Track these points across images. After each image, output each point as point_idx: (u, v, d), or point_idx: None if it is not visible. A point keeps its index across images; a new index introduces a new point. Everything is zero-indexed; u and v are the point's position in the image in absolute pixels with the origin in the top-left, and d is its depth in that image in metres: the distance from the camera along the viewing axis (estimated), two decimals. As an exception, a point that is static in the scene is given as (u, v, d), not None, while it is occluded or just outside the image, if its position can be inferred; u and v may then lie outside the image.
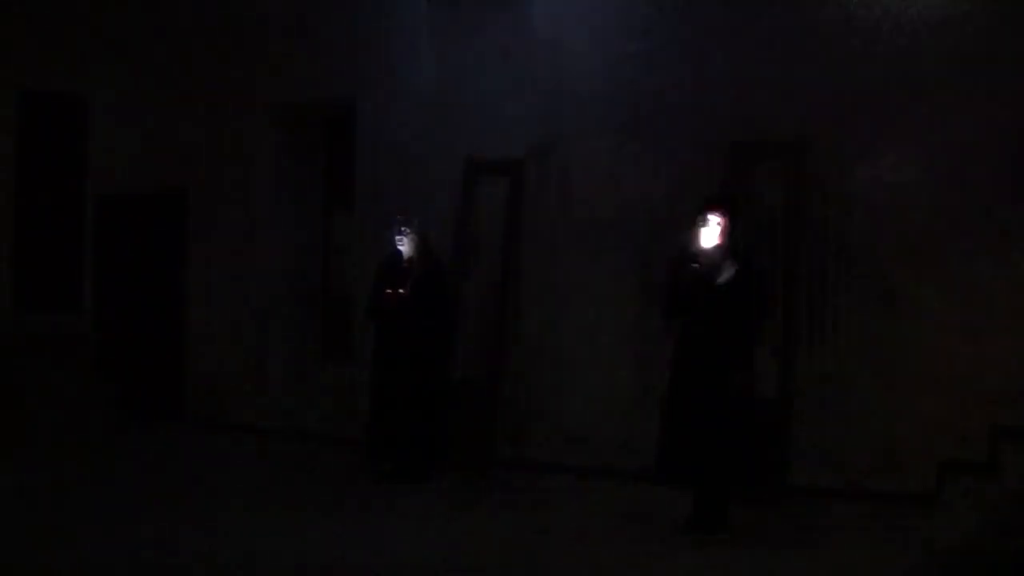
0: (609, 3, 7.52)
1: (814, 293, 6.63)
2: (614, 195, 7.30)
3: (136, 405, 10.11)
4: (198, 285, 9.95)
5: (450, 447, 7.55)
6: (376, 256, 7.72)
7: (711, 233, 5.53)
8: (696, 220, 5.60)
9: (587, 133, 7.54)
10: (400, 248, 7.12)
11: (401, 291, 7.00)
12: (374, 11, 8.74)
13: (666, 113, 7.19)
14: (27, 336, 9.77)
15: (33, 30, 9.83)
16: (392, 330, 7.12)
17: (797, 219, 6.66)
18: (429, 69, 8.38)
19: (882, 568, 5.02)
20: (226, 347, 9.65)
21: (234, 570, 4.97)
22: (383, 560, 5.15)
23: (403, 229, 7.12)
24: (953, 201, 6.27)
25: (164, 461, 7.97)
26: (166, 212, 10.20)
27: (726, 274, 5.55)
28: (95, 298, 10.80)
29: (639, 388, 6.99)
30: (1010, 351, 6.03)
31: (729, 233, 5.56)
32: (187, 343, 10.02)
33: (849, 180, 6.58)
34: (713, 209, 5.57)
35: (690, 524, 5.55)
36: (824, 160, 6.65)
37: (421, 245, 7.13)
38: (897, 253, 6.41)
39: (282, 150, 9.60)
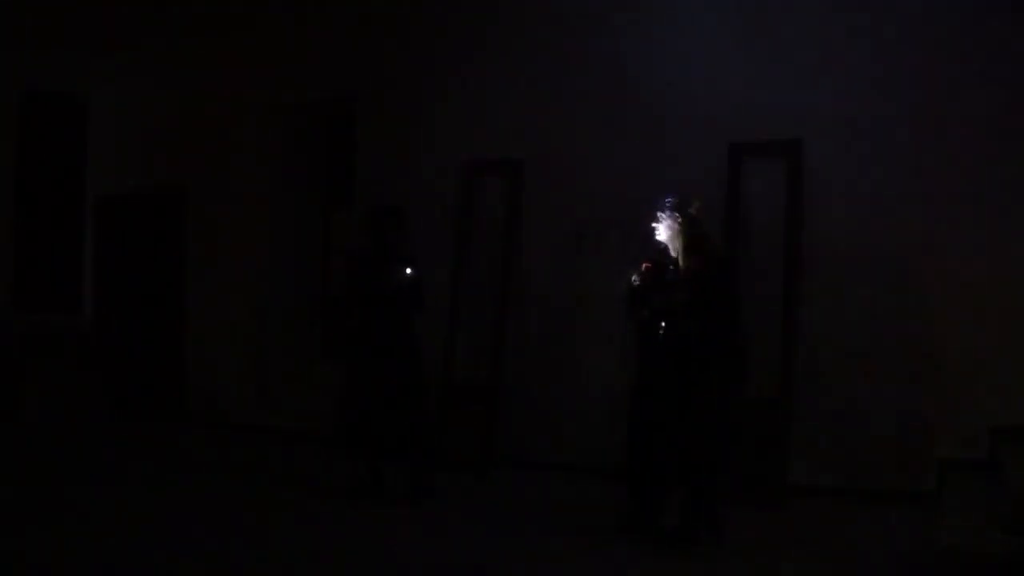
0: (609, 2, 7.53)
1: (814, 292, 6.63)
2: (614, 195, 7.29)
3: (136, 405, 10.12)
4: (198, 285, 9.95)
5: (450, 447, 7.56)
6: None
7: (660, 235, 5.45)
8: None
9: (587, 132, 7.54)
10: None
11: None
12: (374, 10, 8.74)
13: (666, 112, 7.19)
14: (27, 336, 9.77)
15: (33, 30, 9.83)
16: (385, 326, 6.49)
17: (797, 219, 6.66)
18: (429, 68, 8.39)
19: (882, 568, 5.02)
20: (226, 347, 9.65)
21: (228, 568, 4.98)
22: (381, 558, 5.15)
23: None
24: (950, 199, 6.27)
25: (162, 461, 7.95)
26: (166, 212, 10.21)
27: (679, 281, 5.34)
28: (95, 298, 10.81)
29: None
30: (1010, 350, 6.03)
31: (677, 235, 5.40)
32: (187, 343, 10.02)
33: (848, 178, 6.59)
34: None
35: (672, 532, 5.37)
36: (823, 159, 6.66)
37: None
38: (897, 252, 6.41)
39: (282, 149, 9.61)
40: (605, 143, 7.44)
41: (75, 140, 10.78)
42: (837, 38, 6.65)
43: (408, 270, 6.38)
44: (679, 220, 5.38)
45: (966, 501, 5.31)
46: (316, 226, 9.83)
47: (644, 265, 5.52)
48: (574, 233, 7.56)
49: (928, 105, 6.36)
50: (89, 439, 8.89)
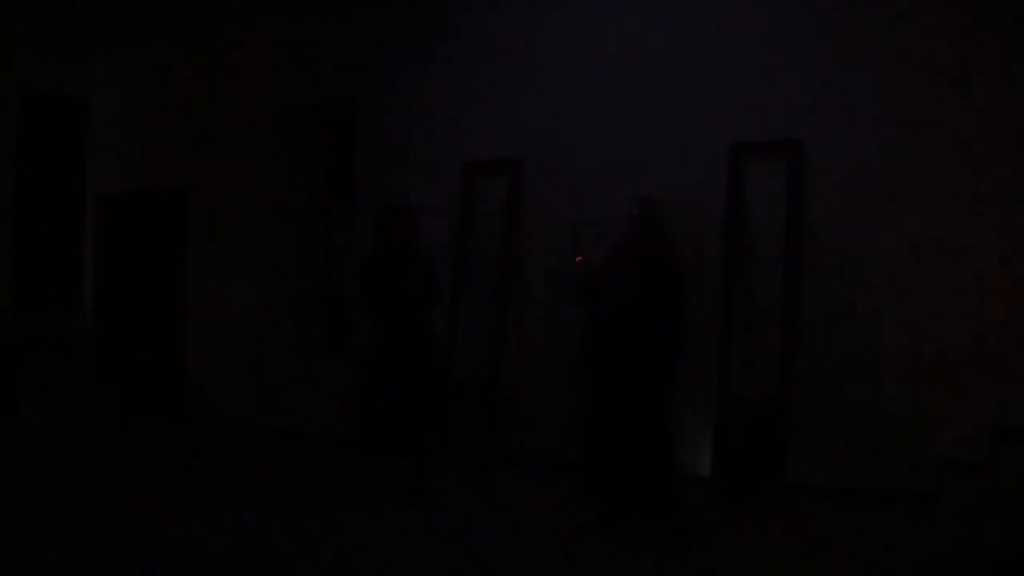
0: (608, 3, 7.53)
1: (814, 292, 6.63)
2: (614, 195, 7.29)
3: (136, 405, 10.13)
4: (198, 285, 9.96)
5: (450, 446, 7.55)
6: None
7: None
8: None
9: (587, 132, 7.54)
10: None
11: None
12: (374, 10, 8.74)
13: (666, 112, 7.19)
14: (27, 336, 9.77)
15: (33, 30, 9.83)
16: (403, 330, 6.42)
17: (797, 219, 6.66)
18: (429, 68, 8.39)
19: (882, 568, 5.02)
20: (226, 347, 9.65)
21: (230, 563, 4.98)
22: (381, 558, 5.15)
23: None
24: (951, 199, 6.27)
25: (161, 461, 7.95)
26: (166, 212, 10.22)
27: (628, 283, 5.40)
28: (95, 298, 10.82)
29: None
30: (1010, 350, 6.03)
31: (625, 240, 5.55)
32: (187, 343, 10.03)
33: (848, 178, 6.59)
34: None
35: (672, 536, 5.38)
36: (823, 159, 6.66)
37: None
38: (897, 252, 6.41)
39: (282, 149, 9.61)
40: (605, 143, 7.44)
41: (75, 140, 10.78)
42: (837, 38, 6.65)
43: (423, 270, 6.45)
44: (639, 223, 5.58)
45: (966, 501, 5.29)
46: (316, 226, 9.83)
47: (577, 259, 5.72)
48: (573, 232, 7.56)
49: (928, 105, 6.36)
50: (88, 439, 8.89)
